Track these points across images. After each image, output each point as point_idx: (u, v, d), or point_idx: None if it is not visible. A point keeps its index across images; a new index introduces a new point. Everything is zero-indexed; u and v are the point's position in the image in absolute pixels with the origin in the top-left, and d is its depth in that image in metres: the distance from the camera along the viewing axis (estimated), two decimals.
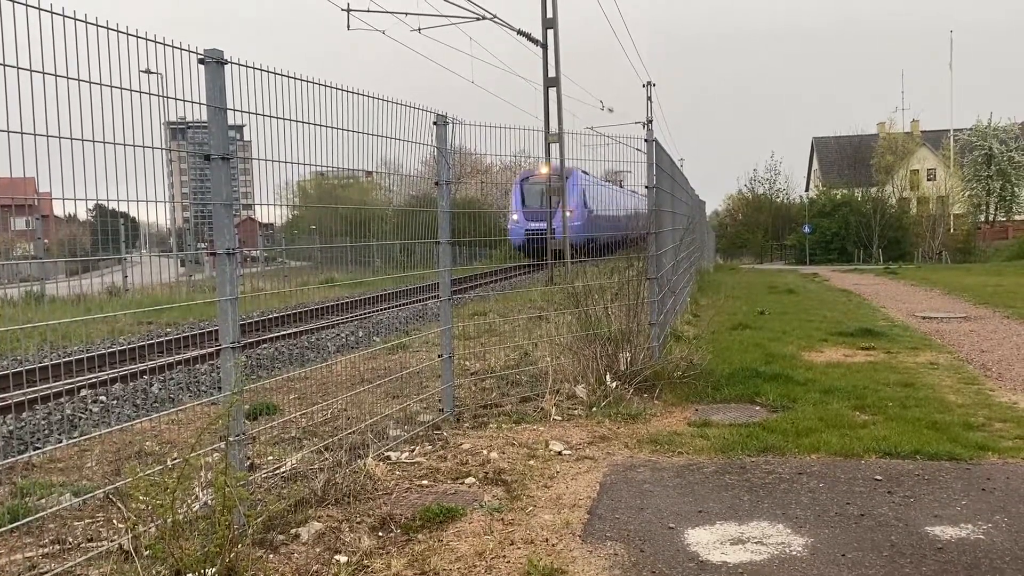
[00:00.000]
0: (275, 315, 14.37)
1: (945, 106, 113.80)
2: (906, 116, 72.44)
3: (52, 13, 3.38)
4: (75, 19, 3.50)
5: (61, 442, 6.75)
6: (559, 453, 5.84)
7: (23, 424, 7.34)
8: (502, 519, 4.55)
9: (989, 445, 5.85)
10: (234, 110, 4.29)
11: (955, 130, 57.91)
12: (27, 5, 3.29)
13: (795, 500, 4.86)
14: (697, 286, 19.24)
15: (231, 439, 4.15)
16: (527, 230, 21.79)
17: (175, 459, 3.86)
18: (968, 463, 5.50)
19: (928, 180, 59.67)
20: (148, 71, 3.86)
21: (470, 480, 5.20)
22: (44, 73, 3.33)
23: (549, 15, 23.49)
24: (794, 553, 4.10)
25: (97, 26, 3.57)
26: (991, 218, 57.31)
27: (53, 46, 3.37)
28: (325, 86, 4.95)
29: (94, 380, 8.71)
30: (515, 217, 24.46)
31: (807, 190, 68.20)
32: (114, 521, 4.49)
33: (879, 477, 5.23)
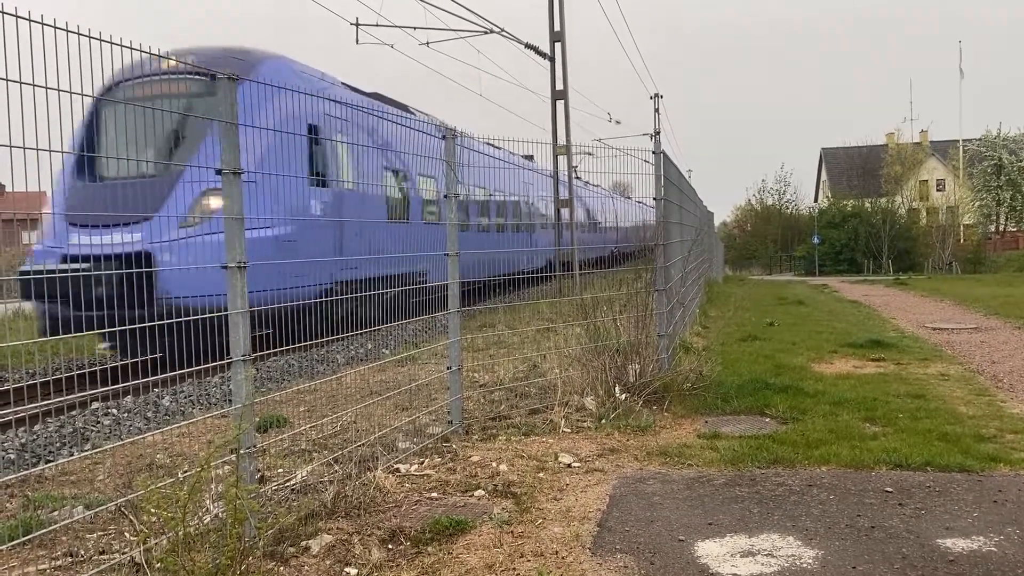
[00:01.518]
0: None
1: (954, 116, 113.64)
2: (915, 126, 72.30)
3: (68, 31, 3.43)
4: (89, 36, 3.55)
5: (73, 455, 6.78)
6: (568, 465, 5.84)
7: (35, 437, 7.38)
8: (511, 532, 4.55)
9: (1001, 457, 5.82)
10: (246, 126, 4.34)
11: (964, 140, 57.77)
12: (43, 24, 3.34)
13: (805, 512, 4.84)
14: (706, 297, 19.22)
15: (241, 451, 4.17)
16: (69, 256, 7.88)
17: (186, 471, 3.88)
18: (979, 475, 5.47)
19: (937, 190, 59.50)
20: None
21: (479, 492, 5.20)
22: (59, 91, 3.38)
23: (556, 28, 23.59)
24: (804, 565, 4.09)
25: (112, 43, 3.62)
26: (1001, 228, 57.08)
27: (68, 62, 3.42)
28: (333, 102, 4.99)
29: (107, 392, 8.75)
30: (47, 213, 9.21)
31: (816, 201, 68.09)
32: (126, 534, 4.51)
33: (890, 489, 5.21)
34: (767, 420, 7.16)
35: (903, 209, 51.63)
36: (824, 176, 71.54)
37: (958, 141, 58.16)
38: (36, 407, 7.64)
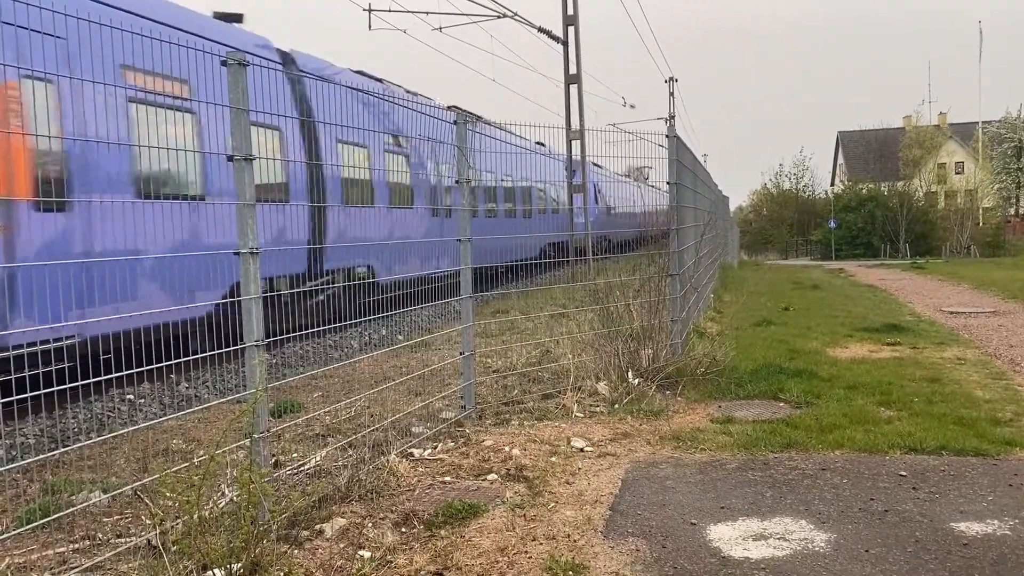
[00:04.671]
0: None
1: (974, 98, 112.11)
2: (933, 109, 71.34)
3: (84, 20, 3.45)
4: (100, 24, 3.56)
5: (91, 439, 6.84)
6: (581, 450, 5.85)
7: (54, 422, 7.47)
8: (524, 515, 4.57)
9: (1017, 441, 5.78)
10: (256, 111, 4.35)
11: (984, 122, 57.03)
12: (66, 14, 3.36)
13: (818, 496, 4.83)
14: (721, 282, 19.15)
15: (256, 436, 4.21)
16: None
17: (201, 456, 3.92)
18: (995, 459, 5.44)
19: (956, 173, 58.85)
20: None
21: (492, 477, 5.22)
22: (86, 81, 3.40)
23: (570, 12, 23.45)
24: (817, 549, 4.08)
25: (122, 31, 3.64)
26: (1021, 211, 56.39)
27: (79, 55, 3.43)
28: (347, 87, 4.99)
29: (122, 376, 8.80)
30: None
31: (832, 184, 67.56)
32: (142, 517, 4.56)
33: (904, 473, 5.19)
34: (781, 404, 7.14)
35: (921, 192, 51.12)
36: (841, 160, 70.96)
37: (977, 123, 57.43)
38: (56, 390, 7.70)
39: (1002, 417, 6.46)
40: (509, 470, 5.33)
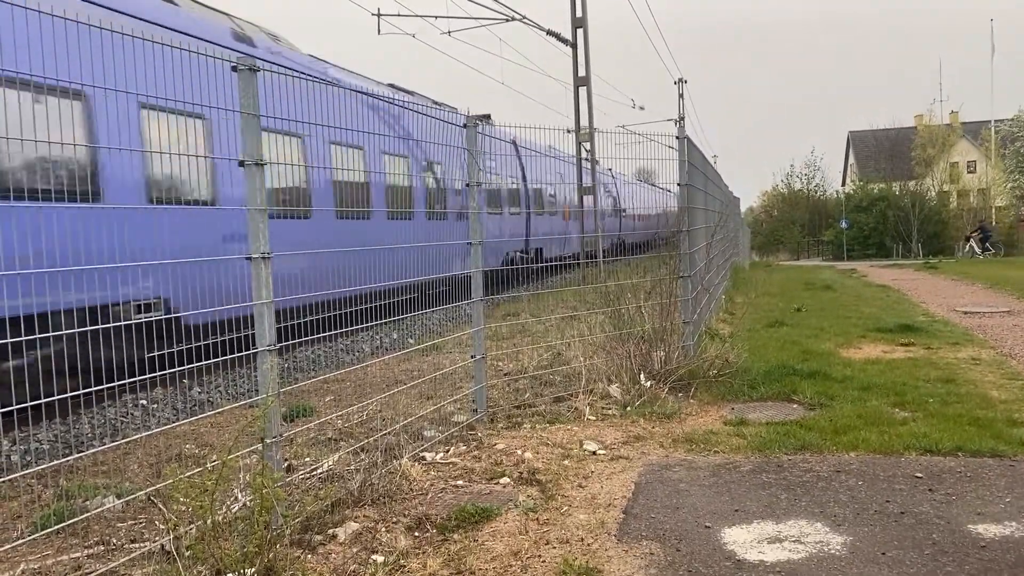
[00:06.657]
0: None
1: (985, 96, 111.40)
2: (944, 107, 70.99)
3: (91, 26, 3.46)
4: (111, 31, 3.58)
5: (104, 444, 6.87)
6: (593, 453, 5.83)
7: (68, 428, 7.50)
8: (537, 519, 4.56)
9: None
10: (267, 116, 4.36)
11: (996, 120, 56.61)
12: (76, 21, 3.37)
13: (833, 498, 4.80)
14: (732, 283, 19.08)
15: (268, 441, 4.21)
16: None
17: (214, 461, 3.92)
18: (1012, 460, 5.39)
19: (969, 172, 58.49)
20: None
21: (505, 480, 5.21)
22: (101, 88, 3.41)
23: (579, 15, 23.44)
24: (833, 552, 4.05)
25: (133, 37, 3.65)
26: None
27: (89, 61, 3.45)
28: (356, 91, 5.00)
29: (135, 383, 8.84)
30: None
31: (843, 184, 67.24)
32: (156, 522, 4.57)
33: (920, 475, 5.15)
34: (794, 406, 7.10)
35: (933, 192, 50.82)
36: (852, 159, 70.60)
37: (990, 121, 57.03)
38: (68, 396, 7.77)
39: (1019, 418, 6.40)
40: (522, 473, 5.31)
